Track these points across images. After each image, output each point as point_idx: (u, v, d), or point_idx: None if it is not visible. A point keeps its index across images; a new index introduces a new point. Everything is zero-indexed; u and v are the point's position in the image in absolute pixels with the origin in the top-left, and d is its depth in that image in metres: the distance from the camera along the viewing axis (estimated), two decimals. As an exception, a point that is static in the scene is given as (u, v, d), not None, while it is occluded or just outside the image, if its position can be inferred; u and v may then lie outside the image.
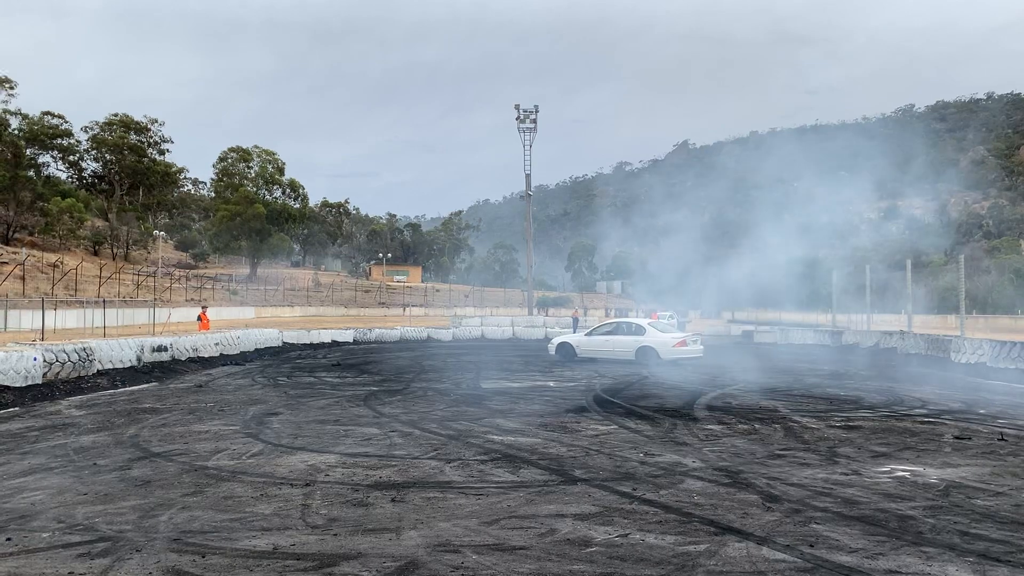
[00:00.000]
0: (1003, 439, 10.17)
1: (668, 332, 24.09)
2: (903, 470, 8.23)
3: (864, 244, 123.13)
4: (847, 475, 7.96)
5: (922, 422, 11.78)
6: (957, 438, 10.27)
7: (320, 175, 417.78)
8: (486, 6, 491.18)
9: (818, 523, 6.16)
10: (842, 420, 11.88)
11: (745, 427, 11.12)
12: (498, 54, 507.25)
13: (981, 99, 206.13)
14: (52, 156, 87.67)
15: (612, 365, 22.60)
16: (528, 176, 50.26)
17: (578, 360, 24.24)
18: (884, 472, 8.12)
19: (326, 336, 36.57)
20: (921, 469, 8.28)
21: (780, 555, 5.34)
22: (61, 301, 41.46)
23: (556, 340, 26.06)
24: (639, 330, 23.87)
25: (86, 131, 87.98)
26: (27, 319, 35.58)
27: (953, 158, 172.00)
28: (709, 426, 11.23)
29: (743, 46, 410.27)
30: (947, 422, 11.78)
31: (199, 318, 29.50)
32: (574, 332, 33.14)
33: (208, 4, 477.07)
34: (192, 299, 65.39)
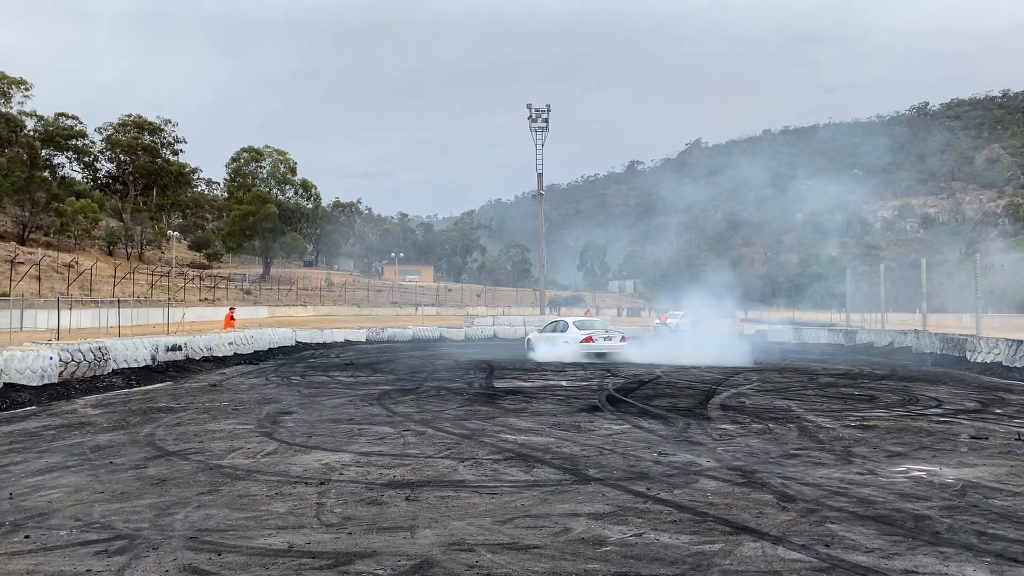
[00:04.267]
0: (1020, 439, 10.09)
1: (587, 329, 25.71)
2: (919, 470, 8.18)
3: (878, 242, 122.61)
4: (862, 475, 7.91)
5: (938, 421, 11.71)
6: (973, 438, 10.20)
7: (336, 175, 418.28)
8: (502, 7, 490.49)
9: (834, 523, 6.13)
10: (857, 419, 11.81)
11: (759, 426, 11.08)
12: (513, 54, 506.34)
13: (996, 97, 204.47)
14: (67, 157, 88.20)
15: (594, 360, 23.92)
16: (540, 175, 50.19)
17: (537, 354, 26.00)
18: (900, 472, 8.08)
19: (339, 335, 36.71)
20: (937, 469, 8.23)
21: (796, 555, 5.32)
22: (76, 301, 41.71)
23: (527, 337, 29.67)
24: (564, 327, 26.35)
25: (100, 132, 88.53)
26: (43, 319, 35.82)
27: (968, 156, 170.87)
28: (723, 425, 11.20)
29: (757, 45, 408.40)
30: (963, 422, 11.70)
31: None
32: None
33: (228, 6, 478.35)
34: (206, 299, 65.69)
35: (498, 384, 17.24)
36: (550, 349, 25.34)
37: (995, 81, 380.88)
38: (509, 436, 10.21)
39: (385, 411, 12.69)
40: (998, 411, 13.00)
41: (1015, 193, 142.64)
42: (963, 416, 12.33)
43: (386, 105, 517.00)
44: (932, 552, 5.42)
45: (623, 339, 25.54)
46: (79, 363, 16.17)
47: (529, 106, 48.86)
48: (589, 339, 24.70)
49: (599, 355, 24.32)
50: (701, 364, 22.40)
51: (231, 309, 34.17)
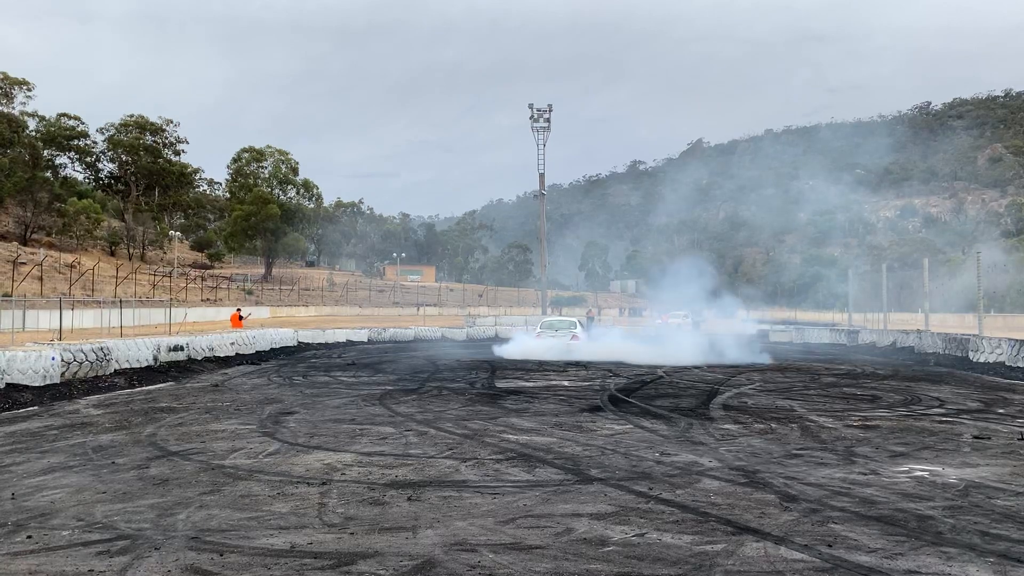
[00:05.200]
0: (1023, 439, 10.08)
1: (542, 328, 28.84)
2: (922, 470, 8.17)
3: (880, 242, 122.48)
4: (865, 475, 7.90)
5: (940, 421, 11.70)
6: (976, 438, 10.19)
7: (339, 175, 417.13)
8: (505, 7, 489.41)
9: (836, 523, 6.12)
10: (859, 419, 11.80)
11: (761, 426, 11.08)
12: (516, 55, 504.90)
13: (999, 96, 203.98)
14: (69, 157, 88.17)
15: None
16: (542, 175, 50.19)
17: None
18: (902, 472, 8.07)
19: (341, 336, 36.70)
20: (940, 469, 8.22)
21: (798, 555, 5.32)
22: (78, 301, 41.75)
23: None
24: (535, 325, 30.09)
25: (102, 132, 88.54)
26: (45, 319, 35.84)
27: (970, 156, 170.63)
28: (725, 425, 11.19)
29: (761, 45, 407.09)
30: (966, 421, 11.69)
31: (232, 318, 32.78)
32: (587, 331, 33.78)
33: (231, 7, 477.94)
34: (208, 299, 65.74)
35: (500, 384, 17.23)
36: (511, 344, 28.40)
37: (997, 81, 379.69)
38: (511, 436, 10.21)
39: (387, 411, 12.69)
40: (1001, 411, 12.98)
41: (1017, 193, 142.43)
42: (966, 416, 12.31)
43: (389, 105, 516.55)
44: (935, 552, 5.41)
45: (574, 337, 27.43)
46: (81, 363, 16.19)
47: (531, 106, 48.92)
48: (539, 336, 27.55)
49: (551, 349, 26.21)
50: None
51: (238, 309, 35.08)
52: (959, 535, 5.82)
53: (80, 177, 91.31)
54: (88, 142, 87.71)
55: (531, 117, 49.04)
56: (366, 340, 37.89)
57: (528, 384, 17.29)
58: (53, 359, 15.31)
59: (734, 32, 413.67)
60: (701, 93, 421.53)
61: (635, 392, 15.61)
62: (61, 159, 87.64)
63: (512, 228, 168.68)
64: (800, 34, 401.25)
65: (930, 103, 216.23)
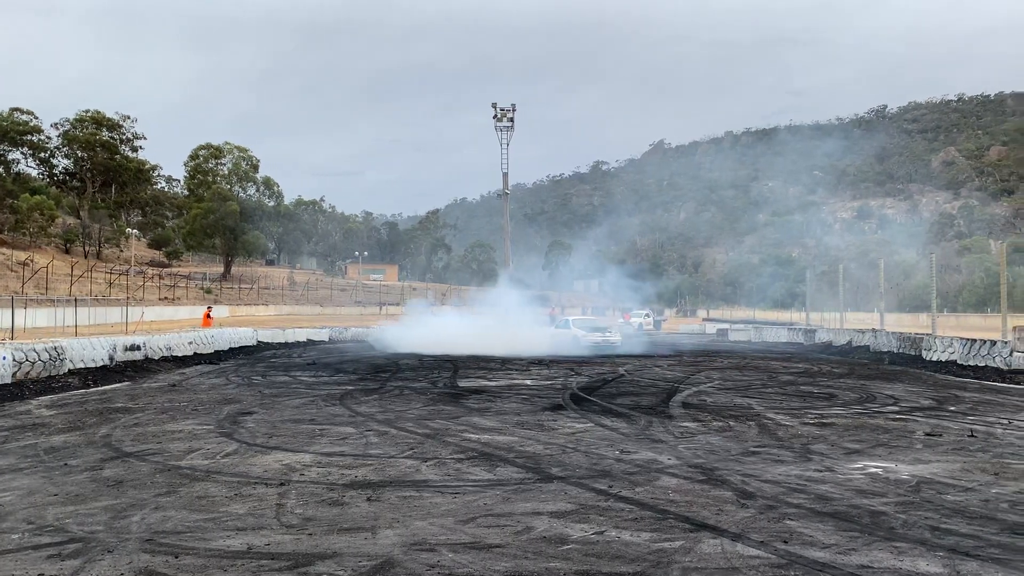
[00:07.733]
0: (973, 435, 10.32)
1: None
2: (875, 466, 8.32)
3: (837, 243, 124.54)
4: (820, 472, 8.03)
5: (894, 419, 11.92)
6: (928, 435, 10.41)
7: (309, 173, 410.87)
8: (476, 8, 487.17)
9: (792, 519, 6.21)
10: (815, 417, 11.99)
11: (720, 424, 11.20)
12: (487, 55, 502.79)
13: (952, 100, 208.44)
14: (22, 152, 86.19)
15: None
16: (505, 175, 50.12)
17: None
18: (857, 468, 8.21)
19: (301, 335, 36.38)
20: (893, 465, 8.38)
21: (754, 551, 5.38)
22: (31, 300, 40.80)
23: None
24: None
25: (57, 128, 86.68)
26: (-4, 318, 34.99)
27: (924, 159, 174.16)
28: (684, 423, 11.30)
29: (725, 47, 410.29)
30: (918, 419, 11.93)
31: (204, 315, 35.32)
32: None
33: (199, 2, 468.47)
34: (166, 298, 64.68)
35: (462, 383, 17.21)
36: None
37: (951, 85, 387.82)
38: (473, 435, 10.20)
39: (348, 411, 12.60)
40: (952, 408, 13.27)
41: (970, 195, 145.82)
42: (919, 413, 12.57)
43: (359, 104, 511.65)
44: (887, 547, 5.51)
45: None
46: (33, 363, 15.84)
47: (494, 105, 48.79)
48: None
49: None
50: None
51: (208, 308, 37.72)
52: (910, 530, 5.94)
53: (34, 173, 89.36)
54: (42, 137, 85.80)
55: (495, 116, 48.97)
56: (327, 340, 37.61)
57: (491, 383, 17.29)
58: (4, 359, 14.95)
59: (698, 34, 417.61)
60: (665, 95, 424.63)
61: (597, 390, 15.69)
62: (14, 154, 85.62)
63: (476, 227, 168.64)
64: (763, 36, 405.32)
65: (886, 106, 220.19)
